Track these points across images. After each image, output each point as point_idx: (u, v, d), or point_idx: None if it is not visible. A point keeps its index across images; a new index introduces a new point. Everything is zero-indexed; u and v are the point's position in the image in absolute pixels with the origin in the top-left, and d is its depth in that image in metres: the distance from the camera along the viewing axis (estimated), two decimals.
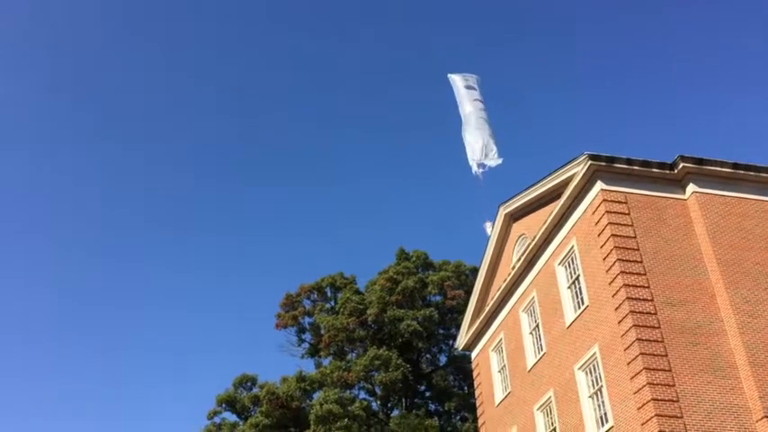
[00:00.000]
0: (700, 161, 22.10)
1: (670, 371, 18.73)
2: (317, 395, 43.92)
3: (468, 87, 33.80)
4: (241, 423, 45.68)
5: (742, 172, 22.34)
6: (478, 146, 31.24)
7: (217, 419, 46.91)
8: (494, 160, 31.01)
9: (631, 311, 19.58)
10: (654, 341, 19.17)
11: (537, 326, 25.50)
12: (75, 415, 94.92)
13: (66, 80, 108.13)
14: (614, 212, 21.41)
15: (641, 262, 20.57)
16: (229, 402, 46.87)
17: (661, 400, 18.16)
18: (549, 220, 24.43)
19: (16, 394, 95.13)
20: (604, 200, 21.65)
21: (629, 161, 22.12)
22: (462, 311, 38.58)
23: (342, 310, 47.29)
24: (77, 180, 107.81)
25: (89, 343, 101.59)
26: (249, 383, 47.89)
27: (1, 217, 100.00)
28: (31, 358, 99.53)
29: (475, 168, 31.06)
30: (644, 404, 18.39)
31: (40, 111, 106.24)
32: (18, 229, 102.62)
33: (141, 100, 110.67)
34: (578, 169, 22.54)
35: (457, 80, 34.19)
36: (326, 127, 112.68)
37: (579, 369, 22.06)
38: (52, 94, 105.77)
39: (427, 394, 48.50)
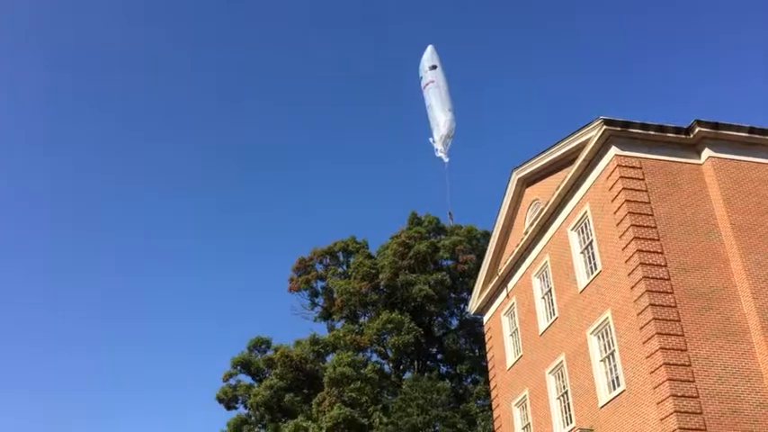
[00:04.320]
0: (716, 125, 21.87)
1: (683, 336, 18.82)
2: (331, 358, 44.51)
3: (432, 67, 33.36)
4: (256, 385, 46.43)
5: (758, 136, 22.11)
6: (442, 129, 30.94)
7: (232, 381, 47.70)
8: (446, 133, 30.70)
9: (644, 277, 19.61)
10: (667, 306, 19.23)
11: (549, 290, 25.60)
12: (95, 381, 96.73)
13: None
14: (628, 178, 21.30)
15: (655, 227, 20.53)
16: (244, 365, 47.59)
17: (673, 364, 18.29)
18: (562, 186, 24.35)
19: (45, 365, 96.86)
20: (619, 165, 21.53)
21: (644, 126, 21.92)
22: (474, 276, 38.76)
23: (354, 274, 47.58)
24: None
25: (108, 309, 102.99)
26: (263, 346, 48.57)
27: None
28: (50, 321, 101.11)
29: (440, 154, 30.89)
30: (656, 368, 18.53)
31: None
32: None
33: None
34: (593, 134, 22.39)
35: (425, 61, 33.78)
36: (337, 93, 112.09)
37: (591, 333, 22.21)
38: None
39: (439, 357, 48.98)
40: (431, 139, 31.85)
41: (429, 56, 34.00)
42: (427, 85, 32.80)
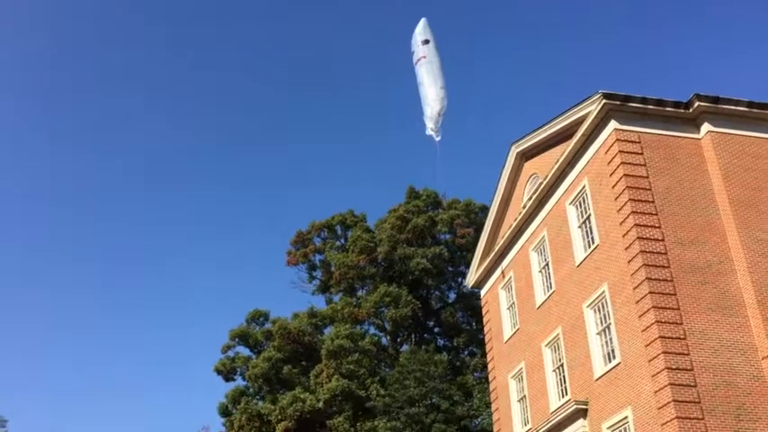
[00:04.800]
0: (715, 99, 21.80)
1: (678, 309, 18.94)
2: (328, 330, 44.78)
3: (425, 42, 32.56)
4: (254, 357, 46.72)
5: (757, 110, 22.04)
6: (434, 107, 30.37)
7: (231, 353, 47.96)
8: (438, 111, 30.17)
9: (642, 251, 19.68)
10: (663, 280, 19.32)
11: (547, 264, 25.71)
12: (98, 355, 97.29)
13: None
14: (627, 152, 21.27)
15: (653, 202, 20.56)
16: (242, 337, 47.84)
17: (668, 337, 18.44)
18: (561, 160, 24.33)
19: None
20: (618, 139, 21.49)
21: (643, 100, 21.84)
22: (471, 250, 38.87)
23: (352, 247, 47.69)
24: None
25: (107, 280, 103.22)
26: (261, 319, 48.78)
27: None
28: (57, 302, 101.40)
29: (431, 132, 30.38)
30: (651, 341, 18.68)
31: None
32: None
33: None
34: (592, 108, 22.31)
35: (417, 35, 33.00)
36: (335, 67, 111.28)
37: (588, 307, 22.34)
38: None
39: (436, 330, 49.29)
40: (424, 118, 31.25)
41: (421, 30, 33.21)
42: (419, 60, 32.11)
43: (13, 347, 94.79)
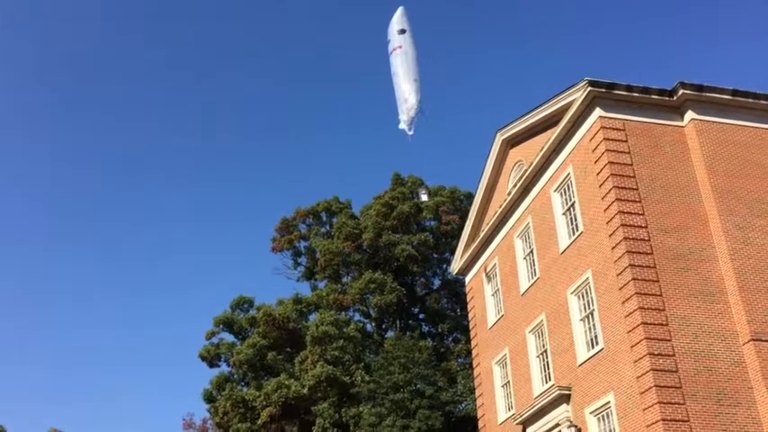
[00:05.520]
0: (700, 87, 21.90)
1: (661, 296, 19.11)
2: (313, 317, 44.78)
3: (401, 31, 31.95)
4: (238, 343, 46.66)
5: (741, 99, 22.18)
6: (408, 102, 29.87)
7: (215, 340, 47.89)
8: (413, 111, 29.69)
9: (625, 238, 19.81)
10: (646, 267, 19.48)
11: (531, 251, 25.81)
12: (87, 347, 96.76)
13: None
14: (612, 140, 21.35)
15: (637, 189, 20.67)
16: (227, 323, 47.75)
17: (651, 324, 18.61)
18: (546, 147, 24.38)
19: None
20: (602, 127, 21.56)
21: (628, 87, 21.89)
22: (456, 236, 38.96)
23: (337, 234, 47.66)
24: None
25: (95, 267, 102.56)
26: (246, 305, 48.69)
27: None
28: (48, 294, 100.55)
29: (403, 125, 29.90)
30: (634, 327, 18.85)
31: None
32: None
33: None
34: (577, 95, 22.35)
35: (394, 24, 32.43)
36: (318, 56, 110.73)
37: (572, 293, 22.49)
38: None
39: (421, 317, 49.44)
40: (398, 111, 30.65)
41: (398, 18, 32.37)
42: (394, 50, 31.48)
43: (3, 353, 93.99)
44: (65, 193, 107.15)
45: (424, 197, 41.75)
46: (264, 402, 40.18)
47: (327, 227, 50.96)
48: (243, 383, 45.55)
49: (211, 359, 47.15)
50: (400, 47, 31.12)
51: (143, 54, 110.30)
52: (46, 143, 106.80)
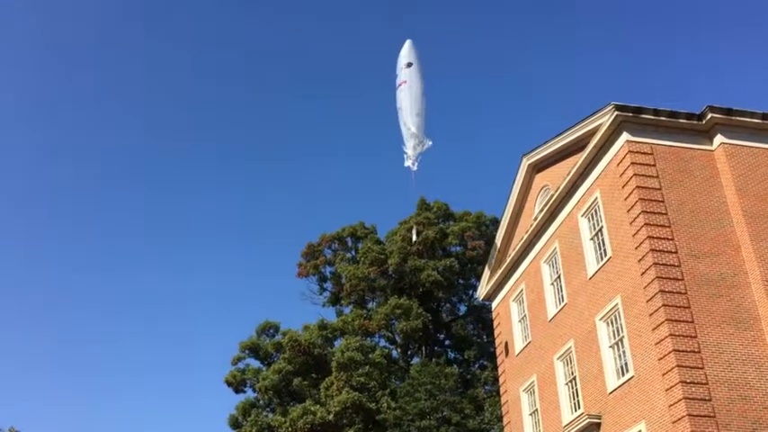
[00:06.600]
0: (728, 111, 21.72)
1: (692, 322, 18.79)
2: (339, 343, 44.62)
3: (408, 65, 31.88)
4: (264, 369, 46.63)
5: None
6: (411, 140, 29.75)
7: (241, 365, 47.90)
8: (421, 146, 29.62)
9: (655, 263, 19.56)
10: (677, 293, 19.19)
11: (558, 277, 25.57)
12: (107, 365, 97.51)
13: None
14: (640, 164, 21.19)
15: (666, 214, 20.45)
16: (253, 349, 47.76)
17: (682, 351, 18.27)
18: (572, 172, 24.26)
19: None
20: (630, 151, 21.42)
21: (656, 112, 21.78)
22: (482, 262, 38.75)
23: (363, 259, 47.63)
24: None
25: (119, 294, 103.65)
26: (272, 330, 48.71)
27: None
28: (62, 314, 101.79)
29: (408, 162, 29.81)
30: (665, 355, 18.52)
31: None
32: None
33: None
34: (604, 120, 22.26)
35: (402, 57, 32.38)
36: (345, 79, 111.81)
37: (600, 320, 22.19)
38: None
39: (447, 343, 49.07)
40: (403, 147, 30.56)
41: (406, 52, 32.38)
42: (400, 85, 31.56)
43: (21, 357, 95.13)
44: (88, 210, 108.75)
45: (415, 237, 42.02)
46: (290, 428, 39.98)
47: (353, 252, 51.00)
48: (268, 409, 45.41)
49: (237, 385, 47.11)
50: (405, 82, 31.27)
51: (189, 80, 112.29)
52: (67, 159, 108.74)
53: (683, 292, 19.22)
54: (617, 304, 21.31)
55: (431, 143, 29.75)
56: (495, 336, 31.63)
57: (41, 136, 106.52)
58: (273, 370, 44.24)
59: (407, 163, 29.83)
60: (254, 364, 47.99)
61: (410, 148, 29.79)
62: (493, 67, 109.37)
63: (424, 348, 47.04)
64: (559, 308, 25.10)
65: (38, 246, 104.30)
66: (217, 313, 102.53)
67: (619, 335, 21.32)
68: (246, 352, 47.94)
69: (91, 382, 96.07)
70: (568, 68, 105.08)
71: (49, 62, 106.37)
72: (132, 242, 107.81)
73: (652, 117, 21.76)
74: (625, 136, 21.70)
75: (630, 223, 20.90)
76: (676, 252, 19.85)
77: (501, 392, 30.52)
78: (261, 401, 45.79)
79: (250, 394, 46.72)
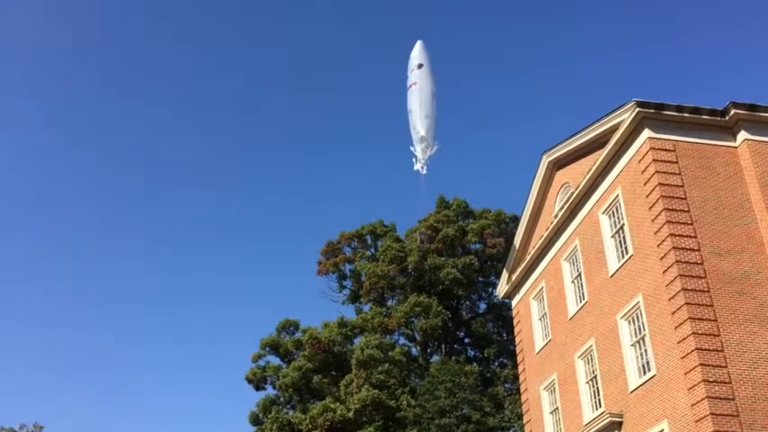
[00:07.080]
0: (752, 107, 21.44)
1: (715, 320, 18.59)
2: (358, 340, 44.73)
3: (419, 66, 31.61)
4: (284, 366, 46.84)
5: None
6: (420, 144, 29.63)
7: (261, 362, 48.13)
8: (430, 150, 29.53)
9: (677, 261, 19.37)
10: (699, 291, 18.99)
11: (579, 275, 25.42)
12: (136, 364, 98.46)
13: None
14: (662, 161, 20.98)
15: (688, 211, 20.24)
16: (273, 346, 47.98)
17: (705, 349, 18.09)
18: (593, 169, 24.09)
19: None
20: (652, 148, 21.22)
21: (678, 108, 21.55)
22: (502, 260, 38.62)
23: (382, 257, 47.66)
24: None
25: (142, 293, 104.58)
26: (292, 328, 48.91)
27: None
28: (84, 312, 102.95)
29: (417, 165, 29.70)
30: (688, 353, 18.35)
31: None
32: None
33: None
34: (625, 116, 22.07)
35: (413, 58, 32.10)
36: (364, 76, 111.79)
37: (622, 318, 22.03)
38: None
39: (466, 341, 49.01)
40: (411, 148, 30.43)
41: (417, 53, 32.02)
42: (410, 87, 31.34)
43: (48, 354, 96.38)
44: (119, 212, 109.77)
45: (419, 242, 42.06)
46: (310, 426, 40.15)
47: (372, 250, 51.06)
48: (289, 406, 45.62)
49: (258, 382, 47.36)
50: (415, 83, 31.13)
51: (198, 84, 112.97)
52: (89, 169, 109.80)
53: (705, 290, 19.02)
54: (638, 302, 21.14)
55: (438, 147, 29.78)
56: (515, 334, 31.52)
57: (42, 136, 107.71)
58: (294, 367, 44.44)
59: (417, 166, 29.79)
60: (275, 361, 48.24)
61: (419, 152, 29.72)
62: (516, 64, 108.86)
63: (443, 346, 47.01)
64: (580, 306, 24.95)
65: (80, 243, 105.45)
66: (238, 312, 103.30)
67: (640, 333, 21.15)
68: (267, 349, 48.17)
69: (114, 380, 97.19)
70: (589, 65, 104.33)
71: (49, 62, 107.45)
72: (155, 239, 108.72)
73: (674, 113, 21.52)
74: (647, 133, 21.50)
75: (652, 221, 20.71)
76: (699, 250, 19.64)
77: (521, 390, 30.41)
78: (281, 399, 46.00)
79: (270, 391, 47.00)
